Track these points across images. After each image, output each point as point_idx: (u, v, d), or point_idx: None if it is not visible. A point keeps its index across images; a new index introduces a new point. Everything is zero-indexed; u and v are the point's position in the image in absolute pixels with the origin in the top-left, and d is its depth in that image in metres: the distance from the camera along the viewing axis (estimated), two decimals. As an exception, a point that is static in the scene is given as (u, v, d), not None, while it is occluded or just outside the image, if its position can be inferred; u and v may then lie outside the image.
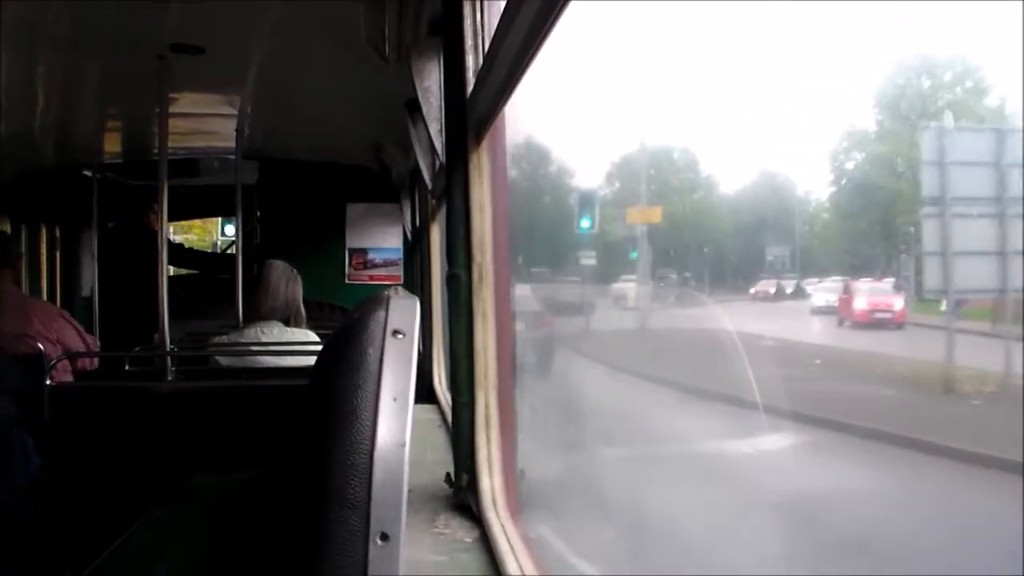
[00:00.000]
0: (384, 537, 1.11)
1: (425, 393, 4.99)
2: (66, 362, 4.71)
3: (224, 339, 4.92)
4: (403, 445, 1.13)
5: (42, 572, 3.42)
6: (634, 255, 29.15)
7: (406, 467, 1.12)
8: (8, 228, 6.65)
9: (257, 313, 4.81)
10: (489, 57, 2.28)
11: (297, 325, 4.76)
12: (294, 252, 5.16)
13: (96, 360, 5.06)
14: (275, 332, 4.72)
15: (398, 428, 1.14)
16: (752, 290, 33.80)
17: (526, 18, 1.81)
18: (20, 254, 5.81)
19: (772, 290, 33.48)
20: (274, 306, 4.74)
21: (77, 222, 6.87)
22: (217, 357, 4.83)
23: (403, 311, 1.21)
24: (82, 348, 5.01)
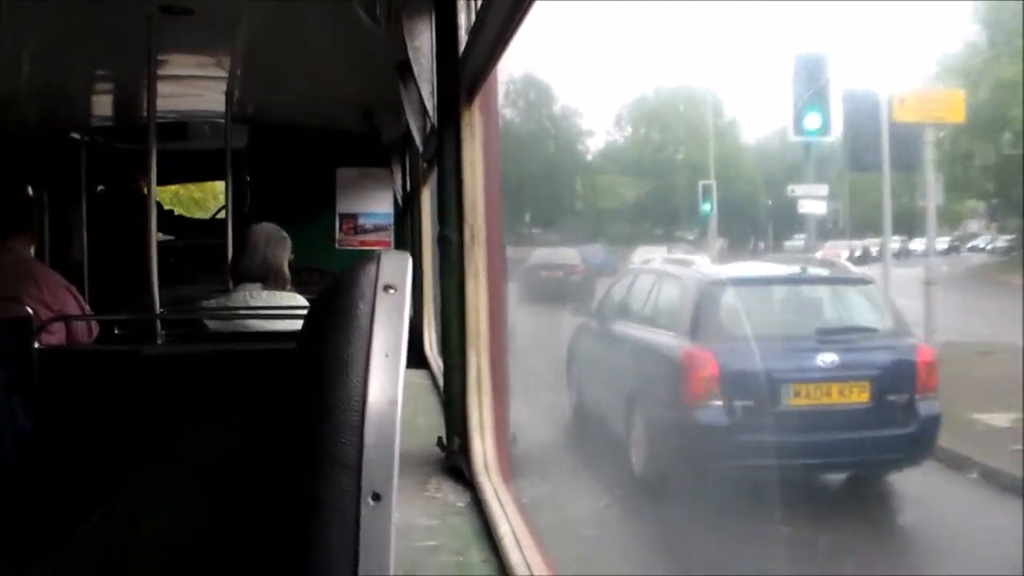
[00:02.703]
0: (376, 497, 1.09)
1: (417, 358, 4.98)
2: (61, 329, 4.69)
3: (212, 303, 4.89)
4: (395, 403, 1.11)
5: (32, 534, 3.41)
6: (706, 209, 28.95)
7: (398, 425, 1.10)
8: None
9: (235, 274, 4.79)
10: (481, 14, 2.25)
11: (279, 287, 4.73)
12: (284, 217, 5.12)
13: (94, 334, 5.03)
14: (264, 296, 4.70)
15: (390, 385, 1.11)
16: (819, 254, 33.52)
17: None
18: (41, 223, 5.78)
19: (844, 254, 33.30)
20: (250, 267, 4.70)
21: (65, 186, 6.82)
22: (206, 321, 4.81)
23: (394, 266, 1.18)
24: (82, 326, 4.98)
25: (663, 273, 11.41)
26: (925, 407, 8.88)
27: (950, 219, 35.36)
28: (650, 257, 21.11)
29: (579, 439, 10.98)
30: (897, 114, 16.95)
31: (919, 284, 15.87)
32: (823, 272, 11.90)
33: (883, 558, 7.68)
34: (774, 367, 8.81)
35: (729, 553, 7.36)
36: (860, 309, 9.95)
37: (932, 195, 18.11)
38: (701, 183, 32.19)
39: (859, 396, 8.75)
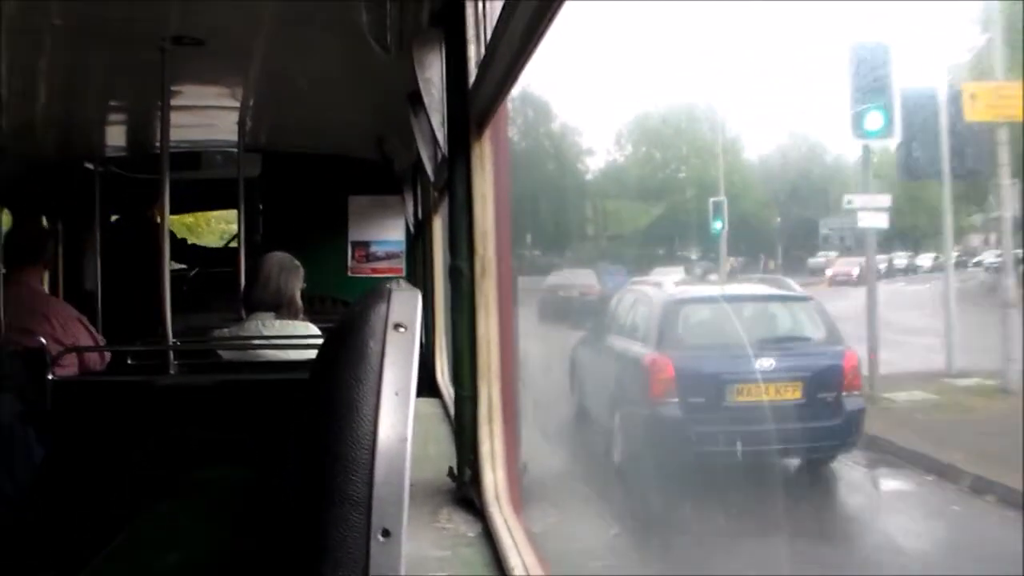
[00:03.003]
0: (386, 533, 1.10)
1: (428, 386, 4.98)
2: (74, 361, 4.71)
3: (226, 332, 4.90)
4: (405, 440, 1.12)
5: (46, 565, 3.42)
6: (717, 228, 27.95)
7: (407, 463, 1.11)
8: (10, 222, 6.64)
9: (248, 304, 4.81)
10: (491, 47, 2.27)
11: (291, 316, 4.74)
12: (296, 245, 5.14)
13: (106, 362, 5.05)
14: (276, 325, 4.71)
15: (400, 423, 1.12)
16: (829, 271, 33.33)
17: (528, 7, 1.80)
18: (55, 254, 5.81)
19: (855, 272, 32.73)
20: (263, 296, 4.72)
21: (79, 216, 6.85)
22: (218, 351, 4.82)
23: (404, 304, 1.19)
24: (94, 356, 5.00)
25: (640, 293, 13.45)
26: (851, 403, 10.71)
27: (956, 232, 34.88)
28: (665, 279, 21.50)
29: (576, 434, 12.78)
30: (969, 112, 15.19)
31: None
32: (770, 291, 15.14)
33: (807, 516, 9.55)
34: (721, 370, 10.68)
35: (684, 520, 9.13)
36: (799, 321, 12.06)
37: (1011, 203, 16.39)
38: (711, 200, 31.49)
39: (793, 394, 10.55)
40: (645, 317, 12.17)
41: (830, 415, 10.54)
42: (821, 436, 10.48)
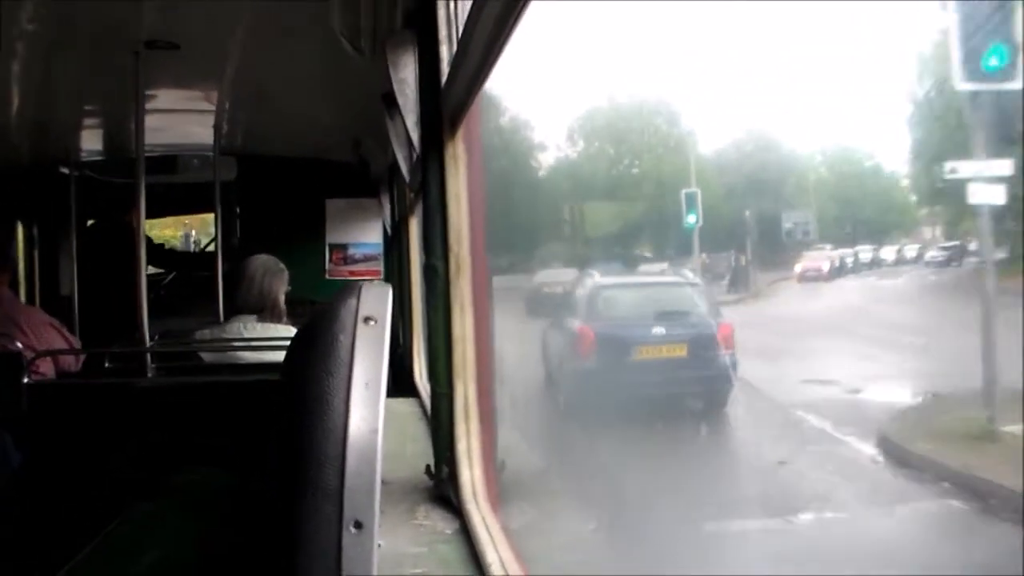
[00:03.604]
0: (358, 525, 1.11)
1: (406, 386, 4.99)
2: (50, 364, 4.69)
3: (207, 333, 4.89)
4: (376, 432, 1.13)
5: (22, 568, 3.41)
6: (691, 222, 27.07)
7: (379, 454, 1.12)
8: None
9: (231, 306, 4.80)
10: (462, 46, 2.29)
11: (274, 319, 4.73)
12: (274, 249, 5.13)
13: (80, 363, 5.03)
14: (258, 328, 4.70)
15: (371, 415, 1.13)
16: (798, 267, 33.37)
17: (496, 5, 1.81)
18: (15, 258, 5.80)
19: (825, 267, 32.68)
20: (247, 299, 4.71)
21: (55, 220, 6.83)
22: (199, 353, 4.81)
23: (375, 298, 1.20)
24: (69, 357, 4.98)
25: (584, 283, 17.43)
26: (723, 359, 14.03)
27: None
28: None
29: (544, 390, 15.69)
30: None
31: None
32: (670, 278, 20.69)
33: (691, 438, 13.30)
34: (627, 335, 14.16)
35: (607, 443, 12.17)
36: (688, 300, 15.70)
37: None
38: (684, 192, 30.02)
39: (679, 352, 13.99)
40: (581, 299, 16.07)
41: (708, 368, 13.85)
42: (702, 383, 13.84)
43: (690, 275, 21.78)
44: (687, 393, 13.90)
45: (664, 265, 29.79)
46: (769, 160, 38.51)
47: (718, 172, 39.76)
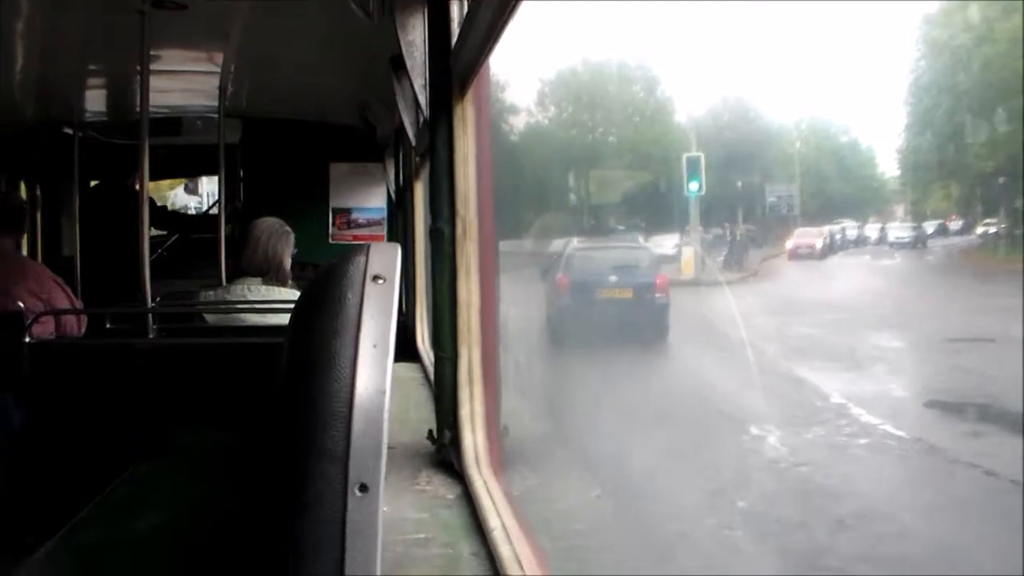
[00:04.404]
0: (363, 488, 1.09)
1: (408, 352, 4.98)
2: (51, 325, 4.69)
3: (210, 295, 4.89)
4: (383, 393, 1.11)
5: (23, 528, 3.41)
6: (693, 190, 26.21)
7: (386, 416, 1.10)
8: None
9: (237, 269, 4.80)
10: (473, 7, 2.25)
11: (280, 282, 4.73)
12: (277, 212, 5.11)
13: (83, 327, 5.03)
14: (262, 291, 4.70)
15: (378, 376, 1.11)
16: (789, 243, 33.00)
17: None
18: (33, 217, 5.82)
19: (818, 244, 32.32)
20: (252, 261, 4.71)
21: (58, 181, 6.81)
22: (203, 315, 4.81)
23: (384, 256, 1.18)
24: (71, 320, 4.99)
25: (565, 247, 22.36)
26: (660, 300, 18.40)
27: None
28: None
29: (545, 329, 19.17)
30: None
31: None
32: (626, 243, 26.07)
33: (647, 354, 16.72)
34: (592, 281, 18.75)
35: (581, 357, 16.84)
36: (636, 258, 20.65)
37: None
38: (685, 156, 27.68)
39: (627, 294, 18.48)
40: (563, 258, 20.80)
41: (647, 306, 18.24)
42: (643, 316, 18.02)
43: (642, 241, 26.55)
44: (632, 323, 18.04)
45: (676, 236, 28.22)
46: (748, 131, 36.80)
47: (696, 142, 36.68)
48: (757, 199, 34.28)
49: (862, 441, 11.04)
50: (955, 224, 30.20)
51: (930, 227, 31.49)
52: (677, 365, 16.45)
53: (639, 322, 17.99)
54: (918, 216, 32.50)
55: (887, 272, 26.95)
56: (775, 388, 13.20)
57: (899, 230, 32.78)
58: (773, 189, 35.00)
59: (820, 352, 15.49)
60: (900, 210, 35.95)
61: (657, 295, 18.62)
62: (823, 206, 35.60)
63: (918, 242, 30.19)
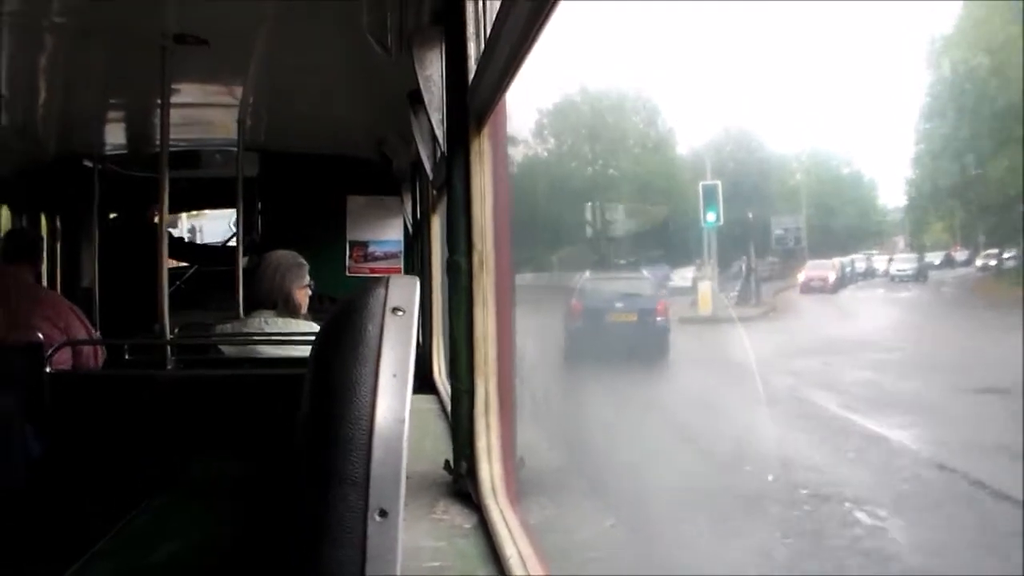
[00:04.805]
0: (383, 513, 1.11)
1: (425, 384, 5.00)
2: (69, 355, 4.73)
3: (228, 327, 4.92)
4: (402, 422, 1.13)
5: (43, 557, 3.43)
6: (709, 222, 25.12)
7: (405, 443, 1.13)
8: (9, 218, 6.67)
9: (253, 301, 4.85)
10: (490, 43, 2.29)
11: (288, 313, 4.76)
12: (295, 245, 5.16)
13: (101, 360, 5.07)
14: (279, 323, 4.73)
15: (398, 404, 1.14)
16: (801, 276, 32.13)
17: (525, 3, 1.82)
18: (53, 248, 5.89)
19: (831, 277, 31.52)
20: (263, 294, 4.76)
21: (78, 213, 6.87)
22: (220, 347, 4.85)
23: (403, 289, 1.21)
24: (89, 352, 5.03)
25: (580, 279, 24.34)
26: (661, 324, 19.97)
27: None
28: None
29: (564, 350, 20.20)
30: None
31: None
32: (631, 274, 25.87)
33: (652, 371, 18.20)
34: (602, 307, 20.46)
35: (591, 372, 18.48)
36: (640, 288, 22.15)
37: None
38: (702, 184, 26.51)
39: (632, 318, 20.01)
40: (577, 287, 22.77)
41: (649, 328, 19.82)
42: (646, 337, 19.52)
43: (646, 274, 26.77)
44: (637, 343, 19.52)
45: (693, 268, 27.50)
46: (750, 162, 35.68)
47: (697, 174, 36.42)
48: (764, 231, 33.43)
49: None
50: (960, 254, 29.78)
51: (937, 258, 31.04)
52: (723, 425, 12.62)
53: (643, 341, 19.91)
54: (918, 247, 32.01)
55: (908, 306, 26.11)
56: (860, 452, 10.66)
57: (901, 262, 32.06)
58: (779, 221, 33.82)
59: (889, 401, 12.72)
60: (901, 242, 35.38)
61: (658, 318, 20.91)
62: (826, 238, 34.87)
63: (920, 274, 29.69)
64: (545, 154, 39.80)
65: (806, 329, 24.16)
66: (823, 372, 15.31)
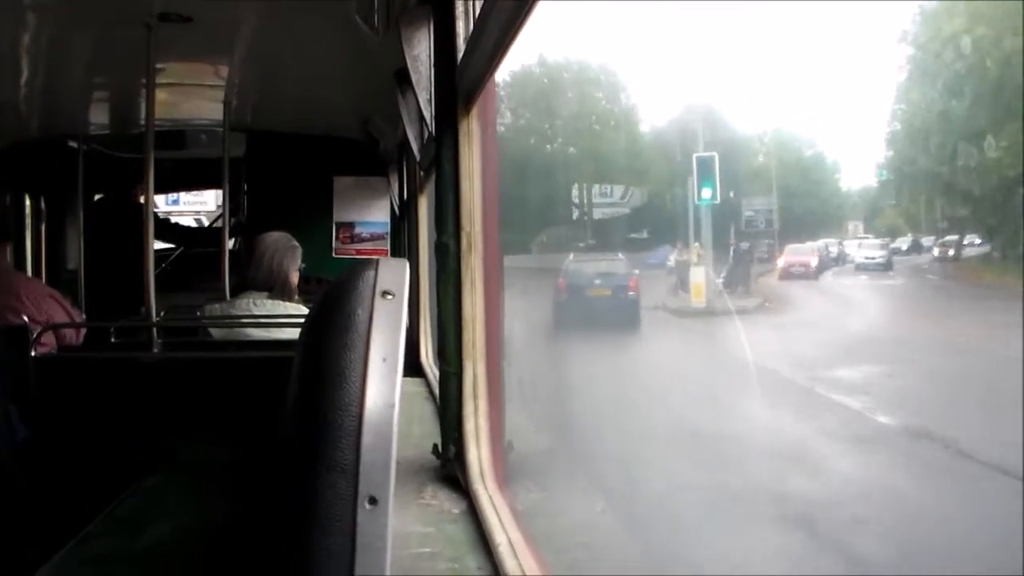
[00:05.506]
0: (373, 501, 1.10)
1: (412, 366, 4.99)
2: (52, 338, 4.69)
3: (215, 309, 4.89)
4: (392, 406, 1.12)
5: (30, 542, 3.41)
6: (704, 198, 24.46)
7: (395, 429, 1.11)
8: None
9: (242, 283, 4.81)
10: (479, 22, 2.27)
11: (284, 297, 4.73)
12: (281, 225, 5.12)
13: (82, 335, 5.04)
14: (267, 305, 4.70)
15: (387, 389, 1.12)
16: (780, 262, 32.31)
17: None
18: (11, 231, 5.82)
19: (813, 262, 31.69)
20: (256, 276, 4.72)
21: (62, 194, 6.82)
22: (208, 329, 4.82)
23: (393, 272, 1.19)
24: (70, 331, 4.99)
25: (565, 260, 27.06)
26: (632, 297, 23.62)
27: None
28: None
29: (549, 323, 23.44)
30: None
31: None
32: (608, 256, 28.77)
33: (628, 338, 21.69)
34: (583, 283, 23.77)
35: (574, 337, 21.96)
36: (615, 268, 25.15)
37: None
38: (695, 156, 24.08)
39: (607, 292, 23.46)
40: (562, 268, 25.38)
41: (622, 301, 23.31)
42: (619, 309, 23.03)
43: (621, 256, 28.79)
44: (613, 314, 22.74)
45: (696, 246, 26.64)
46: (715, 142, 34.31)
47: (661, 154, 35.42)
48: (735, 214, 32.43)
49: None
50: (927, 240, 29.74)
51: (904, 243, 30.98)
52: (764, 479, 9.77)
53: (617, 311, 22.99)
54: (883, 233, 31.94)
55: (901, 294, 25.80)
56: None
57: (869, 249, 31.39)
58: (750, 203, 33.62)
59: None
60: (862, 227, 35.14)
61: (629, 293, 23.90)
62: (792, 220, 34.31)
63: (889, 262, 29.63)
64: (502, 128, 38.01)
65: (817, 323, 21.84)
66: (898, 389, 12.00)
